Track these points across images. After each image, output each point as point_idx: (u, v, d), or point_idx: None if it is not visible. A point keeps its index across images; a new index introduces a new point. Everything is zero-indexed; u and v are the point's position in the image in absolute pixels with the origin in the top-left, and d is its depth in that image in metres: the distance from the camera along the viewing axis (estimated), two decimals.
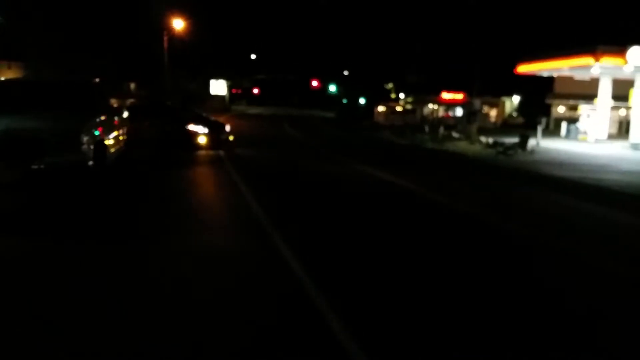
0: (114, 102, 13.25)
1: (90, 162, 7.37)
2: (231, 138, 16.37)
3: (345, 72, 75.73)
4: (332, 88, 74.24)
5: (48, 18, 27.35)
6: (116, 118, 10.09)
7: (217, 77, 62.19)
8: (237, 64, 65.45)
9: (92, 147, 7.46)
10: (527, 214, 9.05)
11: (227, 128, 16.56)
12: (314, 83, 76.00)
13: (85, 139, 7.24)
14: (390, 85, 73.22)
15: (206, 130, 15.05)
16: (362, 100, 62.46)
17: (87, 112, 8.20)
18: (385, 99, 64.88)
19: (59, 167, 7.12)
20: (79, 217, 7.03)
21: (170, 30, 38.48)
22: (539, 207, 10.09)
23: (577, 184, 12.87)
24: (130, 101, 20.48)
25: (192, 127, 15.04)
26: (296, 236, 6.42)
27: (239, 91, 76.06)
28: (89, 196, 7.80)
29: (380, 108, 59.69)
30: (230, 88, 68.98)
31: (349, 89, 67.99)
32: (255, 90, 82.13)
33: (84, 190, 7.75)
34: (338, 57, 75.51)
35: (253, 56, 74.94)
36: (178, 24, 38.73)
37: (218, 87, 65.02)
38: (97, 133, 7.91)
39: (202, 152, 15.46)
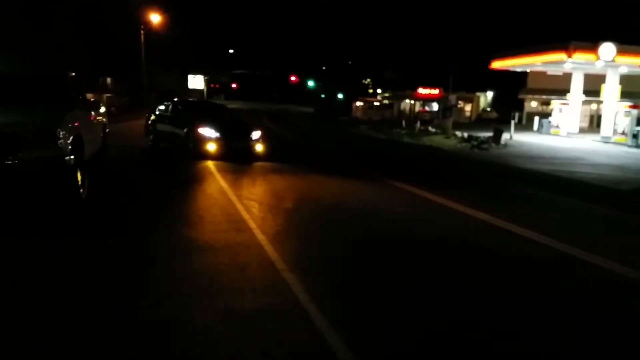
0: (91, 97, 13.14)
1: (67, 158, 7.32)
2: (260, 148, 13.47)
3: (324, 68, 75.81)
4: (311, 83, 74.24)
5: (22, 12, 26.79)
6: (93, 113, 10.02)
7: (194, 71, 61.69)
8: (215, 59, 65.03)
9: (69, 142, 7.41)
10: (497, 207, 9.30)
11: (256, 134, 13.58)
12: (292, 78, 75.87)
13: (61, 133, 7.18)
14: (368, 81, 73.62)
15: (218, 135, 12.82)
16: (340, 96, 62.63)
17: (63, 107, 8.11)
18: (363, 94, 65.21)
19: (35, 162, 7.06)
20: (53, 212, 7.03)
21: (147, 24, 38.04)
22: (509, 200, 10.39)
23: (548, 176, 13.22)
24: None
25: (201, 130, 12.87)
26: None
27: (217, 86, 75.54)
28: (62, 193, 7.76)
29: (358, 103, 59.97)
30: (208, 83, 68.49)
31: (327, 84, 68.10)
32: (234, 85, 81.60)
33: (59, 187, 7.72)
34: (316, 52, 75.61)
35: (231, 51, 74.52)
36: (155, 18, 38.32)
37: (196, 81, 64.53)
38: (73, 128, 7.86)
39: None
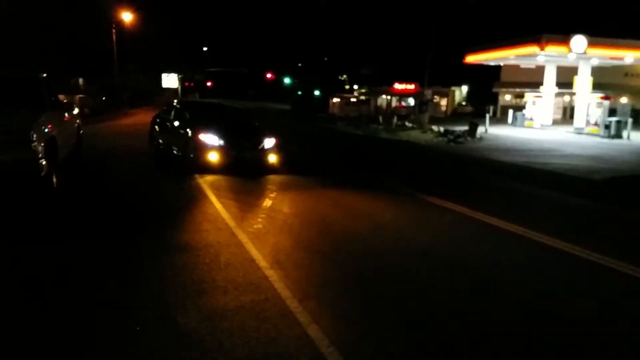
0: (63, 98, 12.76)
1: (41, 160, 7.17)
2: (273, 159, 11.14)
3: (300, 64, 75.67)
4: (287, 80, 74.07)
5: None
6: (66, 114, 9.83)
7: (168, 70, 60.96)
8: (189, 57, 64.30)
9: (42, 144, 7.26)
10: (471, 196, 9.43)
11: (269, 142, 11.18)
12: (269, 75, 75.61)
13: (35, 136, 7.04)
14: (344, 77, 73.75)
15: (222, 143, 10.64)
16: (317, 92, 62.67)
17: (36, 109, 7.96)
18: (339, 91, 65.33)
19: (8, 165, 6.91)
20: (24, 218, 6.88)
21: (118, 23, 37.42)
22: (484, 189, 10.54)
23: (522, 168, 13.46)
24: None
25: (203, 136, 10.69)
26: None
27: (192, 84, 74.69)
28: (36, 195, 7.62)
29: (335, 99, 60.07)
30: (182, 81, 67.73)
31: (303, 81, 68.02)
32: (209, 83, 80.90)
33: (33, 189, 7.57)
34: (292, 49, 75.41)
35: (205, 49, 73.82)
36: (126, 16, 37.70)
37: (169, 80, 63.78)
38: (47, 130, 7.70)
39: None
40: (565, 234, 6.63)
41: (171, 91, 62.58)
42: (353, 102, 58.30)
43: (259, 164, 10.98)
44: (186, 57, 62.07)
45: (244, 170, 10.63)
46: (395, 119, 32.09)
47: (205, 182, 9.72)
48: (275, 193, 9.28)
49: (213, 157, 10.54)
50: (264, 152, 11.04)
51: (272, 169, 10.99)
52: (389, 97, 59.53)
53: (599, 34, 27.00)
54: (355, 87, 68.71)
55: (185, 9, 58.03)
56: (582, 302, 4.62)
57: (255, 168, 10.87)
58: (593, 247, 6.06)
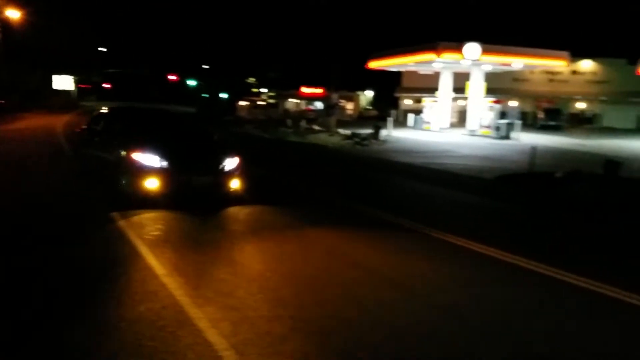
0: None
1: None
2: (236, 184, 8.43)
3: (207, 67, 74.25)
4: (192, 82, 72.31)
5: None
6: None
7: (61, 71, 57.09)
8: (84, 58, 60.64)
9: None
10: (374, 195, 9.80)
11: (230, 162, 8.47)
12: (172, 77, 73.31)
13: None
14: (252, 80, 73.43)
15: (165, 164, 7.89)
16: (224, 95, 61.78)
17: None
18: (247, 94, 64.88)
19: None
20: None
21: (4, 20, 34.51)
22: (387, 189, 10.99)
23: (421, 168, 14.19)
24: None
25: (139, 155, 7.96)
26: None
27: (88, 86, 70.53)
28: None
29: (243, 103, 59.54)
30: (77, 83, 63.70)
31: (210, 83, 66.77)
32: (107, 85, 76.89)
33: None
34: (197, 51, 73.75)
35: (103, 49, 70.03)
36: (13, 14, 34.87)
37: (62, 81, 59.75)
38: None
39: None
40: (439, 226, 7.11)
41: (65, 93, 58.70)
42: (261, 105, 58.12)
43: (218, 192, 8.34)
44: (82, 58, 58.49)
45: (197, 201, 8.09)
46: (303, 122, 32.42)
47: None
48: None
49: (153, 184, 7.77)
50: (225, 176, 8.31)
51: (234, 198, 8.35)
52: (297, 101, 60.05)
53: (492, 42, 28.82)
54: (264, 90, 68.66)
55: (80, 8, 54.69)
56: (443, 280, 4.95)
57: (213, 198, 8.32)
58: (475, 238, 6.56)
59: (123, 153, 8.16)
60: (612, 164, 11.38)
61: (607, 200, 9.70)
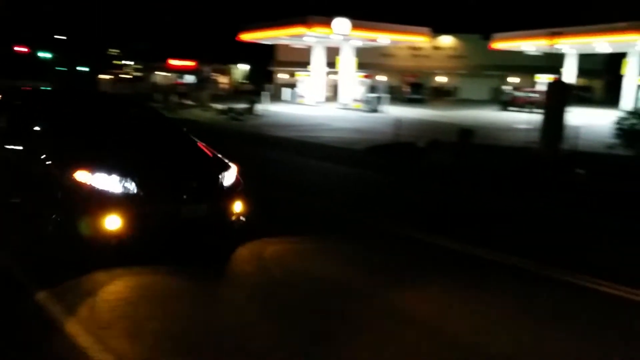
0: None
1: None
2: (240, 208, 5.37)
3: (63, 37, 67.54)
4: (45, 55, 65.50)
5: None
6: None
7: None
8: None
9: None
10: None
11: (230, 175, 5.50)
12: (21, 49, 65.75)
13: None
14: (115, 52, 68.49)
15: (133, 188, 4.76)
16: (83, 68, 56.97)
17: None
18: (110, 67, 60.52)
19: None
20: None
21: None
22: (265, 163, 11.00)
23: (297, 142, 14.39)
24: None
25: (86, 176, 4.72)
26: None
27: None
28: None
29: (105, 76, 55.51)
30: None
31: (67, 55, 61.02)
32: None
33: None
34: (53, 19, 66.72)
35: None
36: None
37: None
38: None
39: None
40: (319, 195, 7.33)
41: None
42: (126, 78, 54.60)
43: (219, 227, 5.44)
44: None
45: (188, 245, 5.21)
46: (174, 97, 31.06)
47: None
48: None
49: (114, 223, 4.63)
50: (226, 198, 5.34)
51: (242, 230, 5.48)
52: (167, 74, 57.32)
53: (362, 17, 29.58)
54: (129, 62, 64.46)
55: None
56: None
57: (212, 237, 5.50)
58: (342, 203, 6.87)
59: (56, 172, 4.91)
60: (466, 132, 12.44)
61: (460, 165, 10.71)
